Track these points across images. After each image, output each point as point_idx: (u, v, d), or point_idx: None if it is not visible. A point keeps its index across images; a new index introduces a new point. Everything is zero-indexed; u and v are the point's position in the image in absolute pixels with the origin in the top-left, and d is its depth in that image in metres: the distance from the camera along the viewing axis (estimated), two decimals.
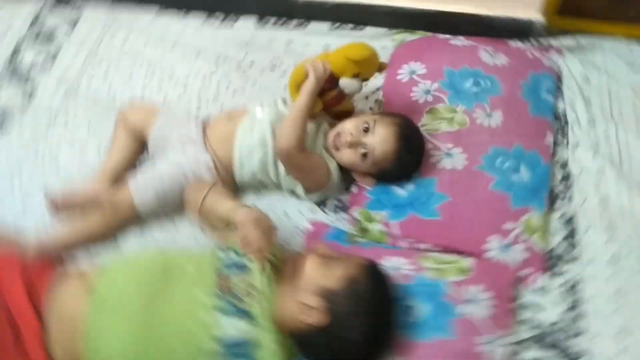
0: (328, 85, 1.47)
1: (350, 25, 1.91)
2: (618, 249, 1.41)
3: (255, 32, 1.95)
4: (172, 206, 1.48)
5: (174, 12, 2.01)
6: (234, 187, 1.55)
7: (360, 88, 1.48)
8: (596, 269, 1.39)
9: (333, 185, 1.50)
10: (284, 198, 1.55)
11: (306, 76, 1.43)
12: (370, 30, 1.91)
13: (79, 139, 1.69)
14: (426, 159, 1.51)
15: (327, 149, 1.49)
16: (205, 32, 1.95)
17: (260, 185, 1.56)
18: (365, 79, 1.49)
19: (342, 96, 1.51)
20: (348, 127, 1.46)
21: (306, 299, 1.14)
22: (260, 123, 1.48)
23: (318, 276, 1.17)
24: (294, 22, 1.94)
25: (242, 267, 1.24)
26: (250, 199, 1.56)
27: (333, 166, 1.48)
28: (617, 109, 1.68)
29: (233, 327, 1.14)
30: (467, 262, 1.35)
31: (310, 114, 1.44)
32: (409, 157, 1.47)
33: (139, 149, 1.62)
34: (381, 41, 1.87)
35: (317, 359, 1.21)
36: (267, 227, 1.25)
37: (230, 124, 1.51)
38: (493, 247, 1.38)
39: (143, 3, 2.03)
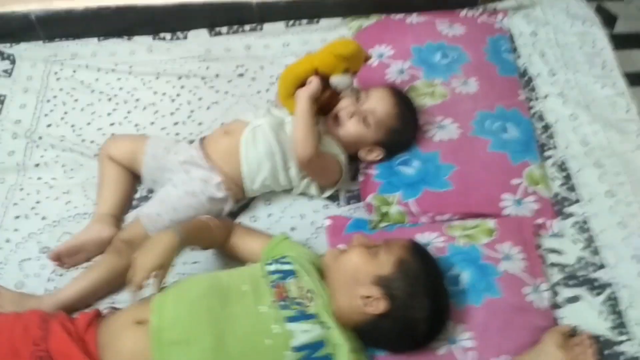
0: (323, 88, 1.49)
1: (305, 21, 1.92)
2: (610, 183, 1.54)
3: (210, 44, 1.90)
4: None
5: (115, 39, 1.91)
6: (243, 199, 1.53)
7: (352, 82, 1.50)
8: (597, 205, 1.50)
9: (345, 177, 1.52)
10: (295, 200, 1.55)
11: (298, 82, 1.44)
12: (325, 22, 1.92)
13: (58, 186, 1.58)
14: (423, 135, 1.56)
15: (328, 134, 1.51)
16: (157, 52, 1.87)
17: (269, 193, 1.54)
18: (355, 73, 1.51)
19: (336, 95, 1.52)
20: (344, 103, 1.51)
21: (365, 291, 1.16)
22: (263, 132, 1.46)
23: (369, 266, 1.19)
24: (248, 26, 1.91)
25: (289, 273, 1.23)
26: (260, 207, 1.55)
27: (342, 158, 1.50)
28: (569, 57, 1.82)
29: (306, 332, 1.13)
30: (490, 223, 1.41)
31: None
32: (408, 110, 1.53)
33: (132, 182, 1.55)
34: (338, 31, 1.91)
35: (385, 346, 1.23)
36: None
37: (231, 139, 1.48)
38: (508, 204, 1.46)
39: (79, 36, 1.91)
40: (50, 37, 1.90)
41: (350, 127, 1.49)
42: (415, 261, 1.19)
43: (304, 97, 1.41)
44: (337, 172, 1.50)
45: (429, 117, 1.60)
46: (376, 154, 1.52)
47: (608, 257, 1.42)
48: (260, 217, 1.53)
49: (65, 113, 1.75)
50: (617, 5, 2.14)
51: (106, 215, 1.47)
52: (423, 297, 1.16)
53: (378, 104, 1.49)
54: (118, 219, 1.49)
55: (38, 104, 1.77)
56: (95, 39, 1.92)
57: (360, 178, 1.57)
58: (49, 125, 1.72)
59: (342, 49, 1.42)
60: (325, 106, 1.53)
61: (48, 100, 1.77)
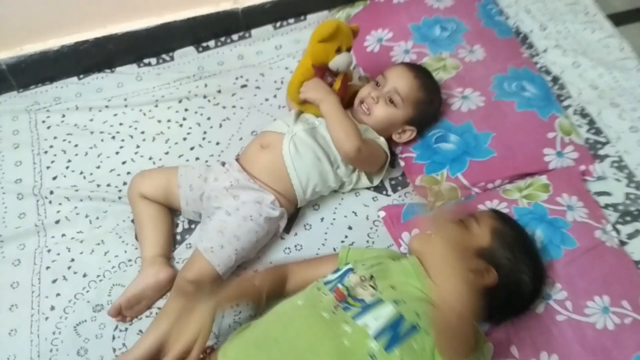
0: (330, 79, 1.46)
1: (292, 20, 1.87)
2: (631, 119, 1.60)
3: (200, 60, 1.82)
4: (250, 257, 1.38)
5: (97, 74, 1.79)
6: (295, 211, 1.49)
7: (351, 58, 1.47)
8: (626, 142, 1.56)
9: (388, 160, 1.51)
10: (343, 199, 1.52)
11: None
12: (312, 17, 1.89)
13: (89, 239, 1.47)
14: (449, 108, 1.57)
15: (360, 124, 1.49)
16: (147, 79, 1.77)
17: (316, 198, 1.50)
18: (349, 49, 1.48)
19: (345, 79, 1.51)
20: (365, 91, 1.50)
21: (472, 266, 1.14)
22: (302, 140, 1.42)
23: (469, 241, 1.18)
24: (235, 35, 1.84)
25: (345, 272, 1.18)
26: (311, 214, 1.50)
27: (382, 139, 1.49)
28: (553, 9, 1.88)
29: (378, 318, 1.06)
30: (542, 179, 1.44)
31: None
32: (429, 79, 1.53)
33: (171, 217, 1.47)
34: None
35: (494, 317, 1.22)
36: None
37: (272, 154, 1.42)
38: (551, 158, 1.49)
39: (55, 79, 1.78)
40: (24, 85, 1.76)
41: (379, 112, 1.48)
42: (507, 227, 1.20)
43: (322, 99, 1.40)
44: (383, 154, 1.49)
45: (449, 90, 1.60)
46: (409, 134, 1.51)
47: None
48: (313, 224, 1.48)
49: (69, 161, 1.62)
50: None
51: (156, 257, 1.38)
52: (524, 259, 1.18)
53: (398, 81, 1.48)
54: (168, 257, 1.41)
55: (35, 157, 1.63)
56: (74, 78, 1.79)
57: (402, 163, 1.55)
58: (54, 178, 1.59)
59: (322, 32, 1.39)
60: (343, 95, 1.50)
61: (45, 152, 1.64)
